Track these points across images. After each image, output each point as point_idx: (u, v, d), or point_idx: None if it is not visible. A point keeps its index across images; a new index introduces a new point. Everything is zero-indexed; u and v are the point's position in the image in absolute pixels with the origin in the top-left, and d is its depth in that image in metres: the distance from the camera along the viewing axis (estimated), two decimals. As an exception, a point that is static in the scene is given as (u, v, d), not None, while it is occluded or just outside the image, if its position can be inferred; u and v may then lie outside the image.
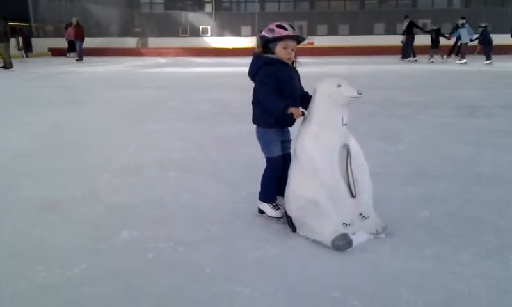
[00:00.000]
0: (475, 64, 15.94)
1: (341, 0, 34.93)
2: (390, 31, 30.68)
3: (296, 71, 2.81)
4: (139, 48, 26.85)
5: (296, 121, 2.70)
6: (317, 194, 2.50)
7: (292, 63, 2.75)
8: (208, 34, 32.32)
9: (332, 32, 30.44)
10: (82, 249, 2.55)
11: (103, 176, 3.88)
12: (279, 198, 2.85)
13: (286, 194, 2.69)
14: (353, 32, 27.53)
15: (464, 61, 16.50)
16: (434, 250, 2.46)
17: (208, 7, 34.80)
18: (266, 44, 2.69)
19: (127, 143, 5.09)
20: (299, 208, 2.58)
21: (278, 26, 2.64)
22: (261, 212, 2.91)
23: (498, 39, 20.92)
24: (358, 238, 2.52)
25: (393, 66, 16.06)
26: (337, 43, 25.78)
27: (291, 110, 2.53)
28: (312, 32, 31.23)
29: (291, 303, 2.03)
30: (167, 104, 8.19)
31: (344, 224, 2.50)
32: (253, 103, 2.80)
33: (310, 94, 2.67)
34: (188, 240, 2.64)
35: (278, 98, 2.59)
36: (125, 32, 30.87)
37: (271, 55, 2.69)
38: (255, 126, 2.83)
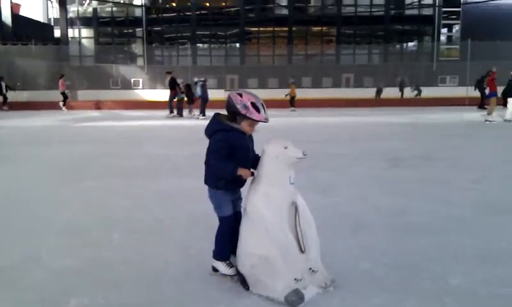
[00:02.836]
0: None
1: (269, 56, 36.52)
2: (316, 84, 32.39)
3: (251, 138, 2.90)
4: (69, 102, 26.09)
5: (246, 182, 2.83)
6: (269, 251, 2.60)
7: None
8: (140, 87, 32.22)
9: (262, 85, 31.50)
10: (29, 320, 2.45)
11: (44, 239, 3.74)
12: (232, 257, 2.91)
13: (238, 251, 2.76)
14: (282, 85, 28.64)
15: (204, 117, 17.08)
16: (380, 300, 2.62)
17: (140, 61, 34.89)
18: (234, 113, 2.76)
19: (65, 202, 4.93)
20: (252, 266, 2.66)
21: (253, 105, 2.70)
22: (215, 270, 2.95)
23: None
24: (309, 293, 2.63)
25: (324, 118, 16.85)
26: (267, 96, 26.56)
27: (240, 172, 2.68)
28: (243, 85, 32.15)
29: None
30: (103, 160, 8.01)
31: (295, 279, 2.61)
32: (205, 163, 2.86)
33: (258, 154, 2.81)
34: (140, 304, 2.62)
35: (228, 162, 2.71)
36: (53, 85, 30.03)
37: (231, 124, 2.77)
38: (207, 186, 2.91)
